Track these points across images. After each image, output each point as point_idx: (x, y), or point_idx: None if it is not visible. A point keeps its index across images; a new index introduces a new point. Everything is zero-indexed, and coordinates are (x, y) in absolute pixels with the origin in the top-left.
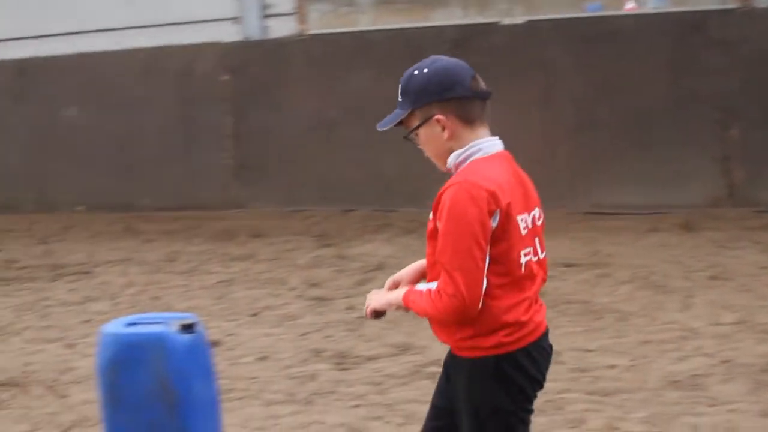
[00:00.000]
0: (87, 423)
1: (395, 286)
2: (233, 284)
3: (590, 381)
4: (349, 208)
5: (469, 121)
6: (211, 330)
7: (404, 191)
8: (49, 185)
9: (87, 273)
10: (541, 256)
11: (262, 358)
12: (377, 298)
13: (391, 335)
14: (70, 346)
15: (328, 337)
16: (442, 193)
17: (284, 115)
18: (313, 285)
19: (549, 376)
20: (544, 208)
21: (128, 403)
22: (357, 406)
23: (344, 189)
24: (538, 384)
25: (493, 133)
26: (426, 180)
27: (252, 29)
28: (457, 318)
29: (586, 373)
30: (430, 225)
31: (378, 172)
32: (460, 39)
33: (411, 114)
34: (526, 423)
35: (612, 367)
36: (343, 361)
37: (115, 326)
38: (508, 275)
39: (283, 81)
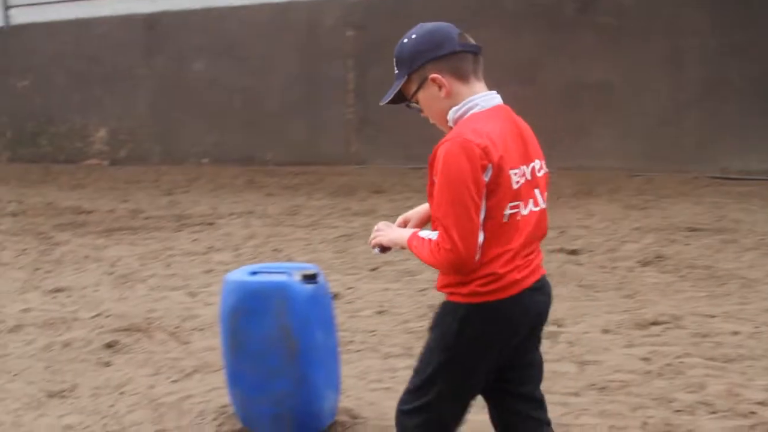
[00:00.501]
0: (208, 369)
1: (405, 223)
2: (353, 239)
3: (711, 347)
4: None
5: (463, 76)
6: (331, 283)
7: None
8: (176, 138)
9: (210, 224)
10: (542, 207)
11: (381, 312)
12: (386, 232)
13: None
14: (193, 294)
15: None
16: (437, 149)
17: None
18: None
19: (668, 340)
20: (671, 171)
21: (250, 349)
22: None
23: None
24: (506, 342)
25: (615, 92)
26: (552, 140)
27: None
28: (455, 270)
29: (707, 339)
30: (429, 182)
31: None
32: (587, 0)
33: (408, 81)
34: (477, 377)
35: (735, 333)
36: None
37: (239, 274)
38: (490, 228)
39: None
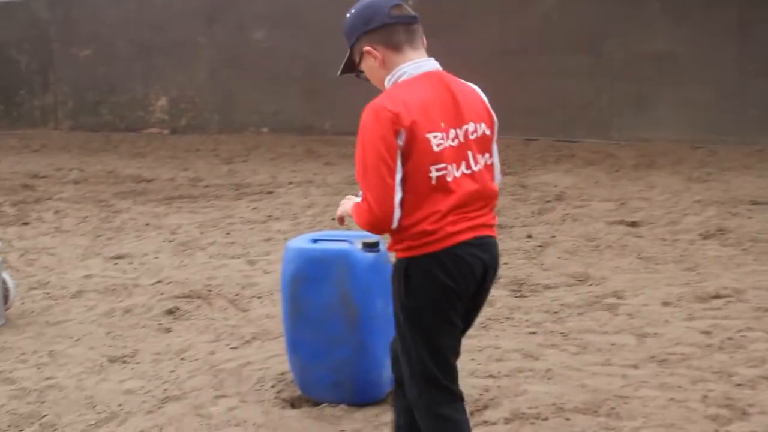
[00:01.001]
0: (268, 336)
1: None
2: None
3: None
4: (531, 137)
5: (395, 46)
6: None
7: (588, 121)
8: (235, 107)
9: (269, 193)
10: (475, 169)
11: None
12: (342, 204)
13: (570, 265)
14: (252, 262)
15: (505, 264)
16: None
17: (468, 42)
18: None
19: (729, 313)
20: (734, 143)
21: (310, 316)
22: (533, 333)
23: (526, 118)
24: (452, 290)
25: (679, 62)
26: (611, 110)
27: None
28: (374, 229)
29: None
30: None
31: (562, 101)
32: None
33: (351, 54)
34: (439, 326)
35: None
36: (520, 288)
37: (301, 242)
38: (415, 190)
39: (467, 8)
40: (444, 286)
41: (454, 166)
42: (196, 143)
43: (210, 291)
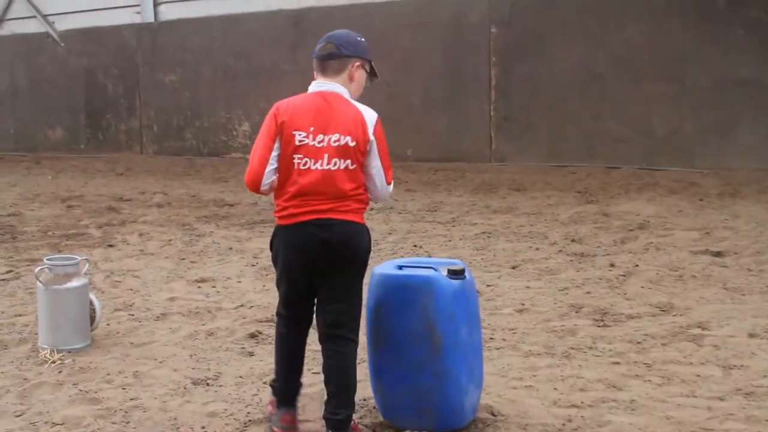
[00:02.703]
0: None
1: None
2: (494, 236)
3: None
4: (613, 165)
5: (316, 72)
6: None
7: (672, 150)
8: None
9: None
10: (329, 168)
11: (522, 310)
12: None
13: (653, 294)
14: None
15: (588, 293)
16: None
17: (551, 67)
18: (574, 240)
19: None
20: None
21: (394, 342)
22: (616, 363)
23: (609, 145)
24: (288, 257)
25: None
26: (695, 138)
27: None
28: (249, 186)
29: None
30: None
31: (646, 128)
32: None
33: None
34: (289, 284)
35: None
36: (602, 317)
37: (387, 268)
38: (283, 169)
39: (552, 32)
40: (284, 253)
41: (312, 160)
42: None
43: None
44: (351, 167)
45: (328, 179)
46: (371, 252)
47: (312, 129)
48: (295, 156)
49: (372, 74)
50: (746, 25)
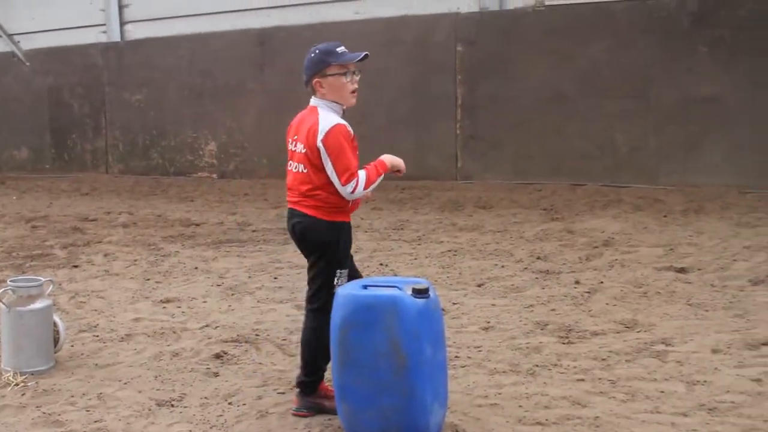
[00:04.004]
0: None
1: None
2: (460, 254)
3: None
4: (578, 183)
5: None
6: None
7: (637, 167)
8: (284, 151)
9: None
10: (293, 170)
11: (487, 328)
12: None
13: (618, 311)
14: (300, 307)
15: (553, 310)
16: None
17: (516, 86)
18: (539, 258)
19: None
20: None
21: (359, 362)
22: (581, 380)
23: (574, 162)
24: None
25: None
26: (659, 155)
27: (489, 0)
28: None
29: None
30: None
31: (610, 146)
32: (703, 11)
33: None
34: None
35: None
36: (567, 334)
37: (351, 288)
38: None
39: (517, 52)
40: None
41: (291, 162)
42: (245, 187)
43: (258, 335)
44: (304, 171)
45: (294, 179)
46: (340, 245)
47: (295, 137)
48: (289, 158)
49: (343, 71)
50: (709, 43)
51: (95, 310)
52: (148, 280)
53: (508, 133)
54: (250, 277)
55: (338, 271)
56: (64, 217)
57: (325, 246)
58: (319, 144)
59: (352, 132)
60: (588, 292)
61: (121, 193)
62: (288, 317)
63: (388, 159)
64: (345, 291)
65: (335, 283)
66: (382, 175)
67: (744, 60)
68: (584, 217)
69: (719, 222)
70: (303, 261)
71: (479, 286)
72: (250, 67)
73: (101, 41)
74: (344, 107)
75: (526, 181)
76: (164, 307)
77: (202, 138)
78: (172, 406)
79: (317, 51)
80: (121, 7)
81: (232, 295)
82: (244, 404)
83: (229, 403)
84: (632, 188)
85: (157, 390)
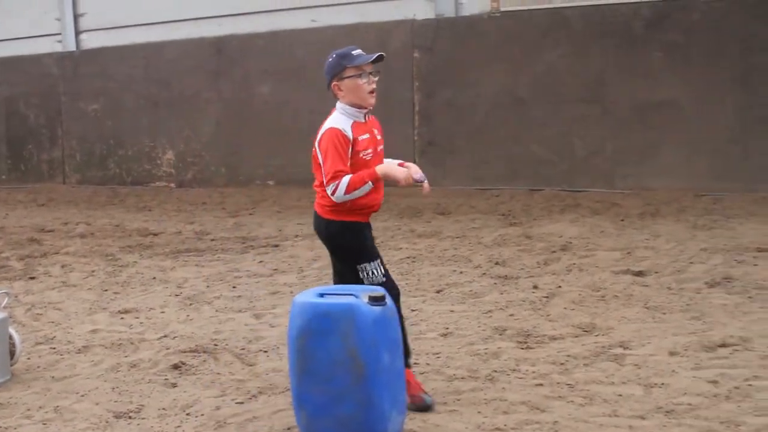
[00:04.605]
0: (274, 390)
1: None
2: (418, 260)
3: None
4: (536, 188)
5: None
6: None
7: (593, 171)
8: (241, 160)
9: (275, 246)
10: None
11: (446, 334)
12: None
13: (576, 315)
14: (258, 316)
15: (511, 315)
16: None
17: (473, 92)
18: (498, 263)
19: (736, 362)
20: (739, 191)
21: (316, 371)
22: (539, 385)
23: (532, 168)
24: None
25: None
26: (615, 159)
27: (445, 6)
28: None
29: None
30: (380, 137)
31: (567, 151)
32: (657, 16)
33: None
34: None
35: None
36: (526, 339)
37: (308, 296)
38: None
39: (474, 58)
40: None
41: None
42: (203, 196)
43: (216, 345)
44: (315, 170)
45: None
46: (346, 244)
47: None
48: None
49: (358, 73)
50: (664, 48)
51: (52, 322)
52: (106, 290)
53: (466, 139)
54: (208, 286)
55: (359, 266)
56: (21, 228)
57: (332, 243)
58: (316, 145)
59: (349, 136)
60: (546, 297)
61: (79, 204)
62: (246, 326)
63: (382, 169)
64: (301, 300)
65: (362, 278)
66: (368, 183)
67: (698, 64)
68: (542, 222)
69: (675, 225)
70: (262, 270)
71: (438, 292)
72: (207, 76)
73: (56, 51)
74: (365, 109)
75: (484, 187)
76: (122, 318)
77: (160, 147)
78: (130, 417)
79: (334, 55)
80: (76, 17)
81: (191, 305)
82: (203, 415)
83: (187, 414)
84: (589, 192)
85: (115, 402)
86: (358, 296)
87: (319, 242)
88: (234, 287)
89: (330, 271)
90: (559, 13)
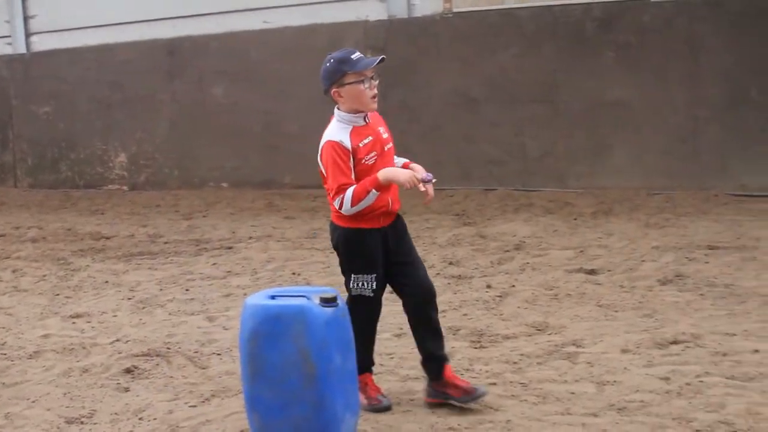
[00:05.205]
0: (227, 393)
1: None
2: None
3: (732, 365)
4: (489, 187)
5: None
6: None
7: (546, 170)
8: (195, 163)
9: (229, 248)
10: None
11: (400, 335)
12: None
13: (529, 314)
14: (212, 318)
15: (465, 315)
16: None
17: (426, 93)
18: (452, 263)
19: (688, 359)
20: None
21: (268, 374)
22: (492, 384)
23: (485, 167)
24: None
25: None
26: (568, 159)
27: (397, 7)
28: None
29: (727, 358)
30: (387, 135)
31: (520, 150)
32: (608, 17)
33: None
34: None
35: (755, 351)
36: (479, 339)
37: (258, 298)
38: None
39: (427, 59)
40: None
41: None
42: (156, 199)
43: (169, 349)
44: (324, 183)
45: None
46: (347, 251)
47: None
48: None
49: (360, 79)
50: (615, 48)
51: (2, 327)
52: (58, 295)
53: (419, 140)
54: (161, 289)
55: (353, 275)
56: None
57: (341, 253)
58: (318, 160)
59: (347, 146)
60: (500, 296)
61: (30, 208)
62: (200, 329)
63: (383, 174)
64: (252, 302)
65: (350, 286)
66: (371, 191)
67: (649, 64)
68: (496, 222)
69: (628, 223)
70: (215, 272)
71: (391, 292)
72: (160, 77)
73: (6, 53)
74: (365, 114)
75: (438, 187)
76: (74, 323)
77: (112, 150)
78: (82, 423)
79: (332, 60)
80: (26, 18)
81: (143, 308)
82: (155, 419)
83: (140, 419)
84: (543, 192)
85: (67, 407)
86: (310, 298)
87: (272, 244)
88: (187, 290)
89: (284, 273)
90: (511, 14)
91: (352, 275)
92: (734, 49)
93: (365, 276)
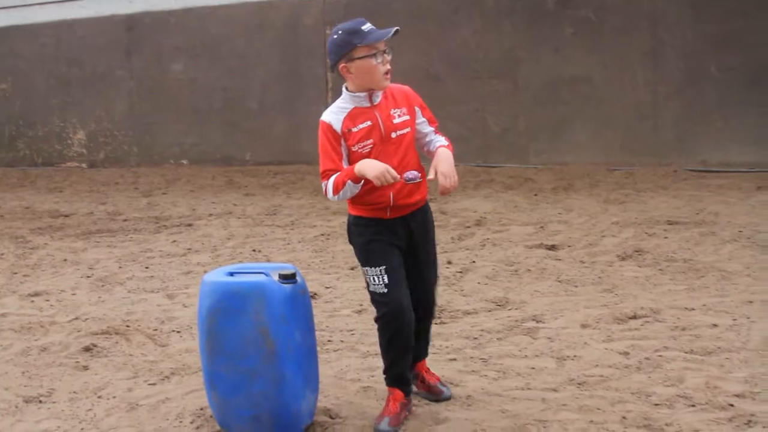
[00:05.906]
0: (187, 371)
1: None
2: (332, 238)
3: (690, 340)
4: None
5: None
6: (309, 282)
7: (506, 146)
8: (154, 139)
9: (189, 225)
10: None
11: (360, 311)
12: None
13: (490, 290)
14: (171, 296)
15: None
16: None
17: None
18: None
19: (647, 333)
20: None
21: (227, 350)
22: (453, 359)
23: None
24: None
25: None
26: (528, 135)
27: None
28: None
29: (686, 332)
30: (405, 118)
31: (480, 127)
32: None
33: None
34: None
35: (713, 326)
36: (440, 314)
37: (216, 275)
38: None
39: None
40: None
41: None
42: (115, 176)
43: (128, 326)
44: None
45: None
46: (356, 239)
47: None
48: None
49: (372, 53)
50: (575, 24)
51: None
52: (16, 273)
53: None
54: (120, 267)
55: (363, 269)
56: None
57: (353, 245)
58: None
59: (337, 129)
60: (460, 272)
61: None
62: (159, 307)
63: (359, 166)
64: (210, 279)
65: (366, 283)
66: (349, 183)
67: (609, 40)
68: (456, 198)
69: (588, 199)
70: (174, 249)
71: (352, 269)
72: (118, 54)
73: None
74: (372, 93)
75: None
76: (32, 301)
77: (71, 127)
78: (40, 402)
79: (340, 32)
80: None
81: (102, 286)
82: (114, 397)
83: (99, 397)
84: (503, 168)
85: (25, 386)
86: (268, 274)
87: (233, 221)
88: (146, 267)
89: (244, 250)
90: None
91: (363, 269)
92: (694, 25)
93: (374, 269)
